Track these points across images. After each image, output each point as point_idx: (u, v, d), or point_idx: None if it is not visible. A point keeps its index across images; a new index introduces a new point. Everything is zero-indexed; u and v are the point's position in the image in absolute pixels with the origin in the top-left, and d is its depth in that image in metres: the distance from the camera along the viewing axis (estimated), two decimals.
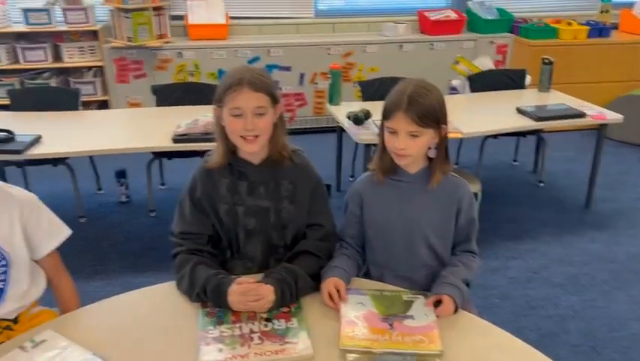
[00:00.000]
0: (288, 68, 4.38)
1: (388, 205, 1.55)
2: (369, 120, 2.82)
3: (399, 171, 1.54)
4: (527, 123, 3.06)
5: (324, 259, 1.53)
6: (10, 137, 2.59)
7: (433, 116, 1.43)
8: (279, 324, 1.32)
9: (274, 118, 1.49)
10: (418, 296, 1.43)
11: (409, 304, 1.40)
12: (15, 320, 1.40)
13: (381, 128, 1.51)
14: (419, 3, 4.82)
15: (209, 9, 4.33)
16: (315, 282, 1.45)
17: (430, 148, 1.49)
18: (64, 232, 1.50)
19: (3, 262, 1.35)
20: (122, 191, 3.46)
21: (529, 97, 3.49)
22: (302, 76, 4.42)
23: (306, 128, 4.55)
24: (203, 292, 1.38)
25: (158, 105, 3.30)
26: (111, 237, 3.08)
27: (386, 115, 1.46)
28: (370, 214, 1.58)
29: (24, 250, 1.40)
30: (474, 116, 3.11)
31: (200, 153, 3.13)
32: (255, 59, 4.30)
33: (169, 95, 3.30)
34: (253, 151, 1.48)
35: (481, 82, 3.60)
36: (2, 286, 1.37)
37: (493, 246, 2.99)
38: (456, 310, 1.39)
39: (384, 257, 1.59)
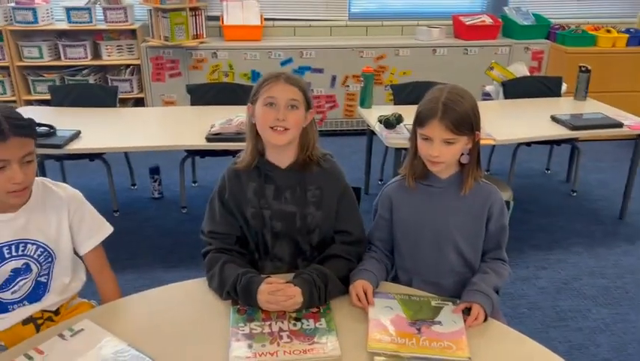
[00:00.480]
0: (320, 70, 4.41)
1: (418, 210, 1.55)
2: (401, 124, 2.81)
3: (430, 177, 1.54)
4: (562, 132, 3.01)
5: (354, 262, 1.54)
6: (51, 131, 2.68)
7: (467, 123, 1.43)
8: (308, 324, 1.34)
9: (305, 121, 1.50)
10: (447, 302, 1.43)
11: (437, 310, 1.40)
12: (56, 312, 1.46)
13: (413, 133, 1.51)
14: (454, 7, 4.79)
15: (244, 10, 4.39)
16: (345, 285, 1.47)
17: (462, 154, 1.49)
18: (106, 228, 1.54)
19: (49, 259, 1.41)
20: (155, 187, 3.54)
21: (564, 105, 3.43)
22: (334, 78, 4.45)
23: (336, 130, 4.58)
24: (233, 291, 1.41)
25: (192, 104, 3.36)
26: (143, 232, 3.15)
27: (420, 122, 1.46)
28: (400, 219, 1.58)
29: (69, 247, 1.45)
30: (507, 122, 3.08)
31: (233, 153, 3.19)
32: (288, 61, 4.34)
33: (203, 95, 3.36)
34: (280, 144, 1.47)
35: (515, 88, 3.56)
36: (46, 281, 1.43)
37: (523, 255, 2.95)
38: (485, 319, 1.38)
39: (412, 262, 1.59)
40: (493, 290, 1.47)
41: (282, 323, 1.34)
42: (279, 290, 1.37)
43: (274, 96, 1.45)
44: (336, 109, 4.56)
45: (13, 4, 4.08)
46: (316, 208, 1.53)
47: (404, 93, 3.38)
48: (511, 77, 3.64)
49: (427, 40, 4.50)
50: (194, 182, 3.75)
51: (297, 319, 1.36)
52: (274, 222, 1.54)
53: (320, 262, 1.51)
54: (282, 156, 1.53)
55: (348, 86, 4.49)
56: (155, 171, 3.52)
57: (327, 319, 1.36)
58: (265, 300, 1.36)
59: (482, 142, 1.53)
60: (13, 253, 1.35)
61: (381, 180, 3.72)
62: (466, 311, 1.39)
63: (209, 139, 2.75)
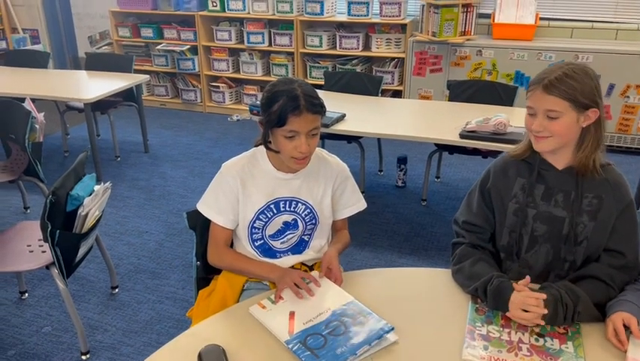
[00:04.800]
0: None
1: None
2: None
3: None
4: None
5: (616, 291, 1.35)
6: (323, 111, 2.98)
7: None
8: (552, 343, 1.23)
9: (578, 122, 1.34)
10: None
11: None
12: (311, 268, 1.63)
13: None
14: None
15: (520, 8, 4.19)
16: (601, 314, 1.30)
17: None
18: (361, 204, 1.66)
19: (312, 221, 1.58)
20: (400, 176, 3.65)
21: None
22: (611, 87, 3.95)
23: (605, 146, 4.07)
24: (482, 289, 1.36)
25: (450, 100, 3.36)
26: (384, 215, 3.30)
27: None
28: None
29: (329, 213, 1.60)
30: None
31: (483, 153, 3.11)
32: None
33: (463, 92, 3.34)
34: (541, 150, 1.41)
35: None
36: (307, 239, 1.61)
37: None
38: None
39: None
40: None
41: (523, 334, 1.26)
42: (532, 303, 1.26)
43: (533, 107, 1.37)
44: (608, 121, 4.05)
45: None
46: (590, 219, 1.39)
47: None
48: None
49: None
50: (437, 177, 3.76)
51: (540, 335, 1.26)
52: (537, 223, 1.43)
53: (574, 280, 1.37)
54: (557, 155, 1.42)
55: (628, 97, 3.94)
56: (402, 160, 3.63)
57: (575, 343, 1.23)
58: (517, 313, 1.28)
59: None
60: (287, 208, 1.55)
61: None
62: None
63: (462, 136, 2.72)
